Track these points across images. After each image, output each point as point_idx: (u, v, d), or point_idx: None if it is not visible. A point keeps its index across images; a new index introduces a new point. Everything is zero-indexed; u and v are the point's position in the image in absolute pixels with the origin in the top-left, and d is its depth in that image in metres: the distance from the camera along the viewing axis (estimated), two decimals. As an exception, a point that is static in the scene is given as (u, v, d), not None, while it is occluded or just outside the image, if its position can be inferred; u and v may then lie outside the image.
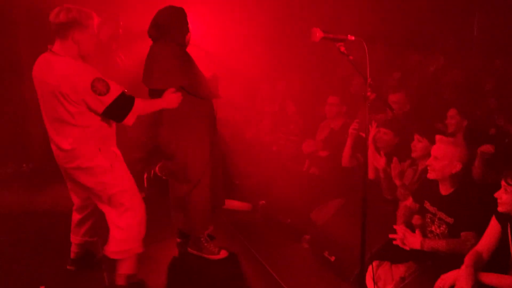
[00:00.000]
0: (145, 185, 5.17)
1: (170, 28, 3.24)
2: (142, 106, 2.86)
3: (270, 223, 4.23)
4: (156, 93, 3.30)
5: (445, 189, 2.91)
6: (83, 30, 2.65)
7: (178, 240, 3.80)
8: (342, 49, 2.22)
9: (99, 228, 3.34)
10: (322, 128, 4.99)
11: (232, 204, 4.69)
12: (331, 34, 2.20)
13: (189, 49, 3.37)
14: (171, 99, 3.11)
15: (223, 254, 3.63)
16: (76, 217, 3.26)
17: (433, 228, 2.92)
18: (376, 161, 3.65)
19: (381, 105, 3.39)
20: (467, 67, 5.97)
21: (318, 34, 2.17)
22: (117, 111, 2.73)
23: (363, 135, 3.73)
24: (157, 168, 4.94)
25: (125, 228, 2.91)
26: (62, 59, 2.66)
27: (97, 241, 3.38)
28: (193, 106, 3.27)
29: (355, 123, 4.01)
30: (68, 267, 3.35)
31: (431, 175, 2.91)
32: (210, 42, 5.55)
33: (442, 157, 2.83)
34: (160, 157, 3.79)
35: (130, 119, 2.80)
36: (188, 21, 3.33)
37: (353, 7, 6.33)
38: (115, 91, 2.68)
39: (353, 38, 2.21)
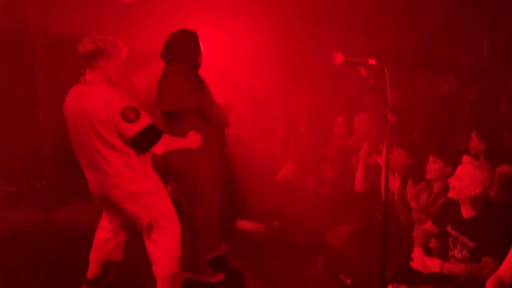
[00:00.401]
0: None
1: (182, 51, 3.31)
2: (168, 141, 2.93)
3: (284, 245, 4.19)
4: (167, 115, 3.36)
5: (466, 212, 2.87)
6: (108, 58, 2.74)
7: None
8: (363, 72, 2.23)
9: (124, 248, 3.38)
10: (330, 148, 4.97)
11: (245, 225, 4.67)
12: (352, 58, 2.21)
13: (201, 69, 3.43)
14: (195, 139, 3.18)
15: (219, 277, 3.62)
16: (104, 235, 3.30)
17: (455, 253, 2.87)
18: (390, 183, 3.61)
19: (402, 128, 3.38)
20: (480, 87, 5.96)
21: (339, 58, 2.18)
22: (144, 140, 2.78)
23: (376, 157, 3.73)
24: (169, 188, 4.94)
25: (167, 249, 3.02)
26: (95, 87, 2.75)
27: (119, 261, 3.40)
28: (203, 129, 3.30)
29: (366, 145, 3.93)
30: (83, 286, 3.34)
31: (450, 193, 2.88)
32: (220, 60, 5.60)
33: (463, 177, 2.80)
34: (172, 177, 3.80)
35: (159, 148, 2.86)
36: (201, 43, 3.39)
37: (364, 26, 6.36)
38: (145, 120, 2.75)
39: (374, 62, 2.21)
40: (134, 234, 3.29)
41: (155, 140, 2.81)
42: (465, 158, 2.90)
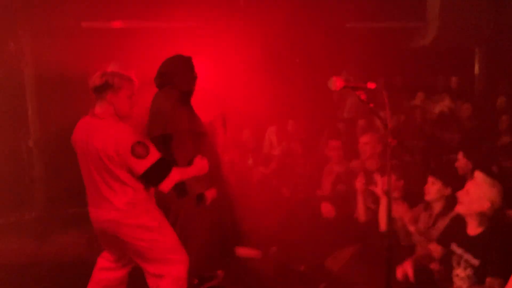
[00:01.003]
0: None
1: (173, 76, 3.31)
2: (178, 173, 2.90)
3: (283, 271, 4.10)
4: (155, 140, 3.30)
5: (472, 229, 2.83)
6: (117, 92, 2.75)
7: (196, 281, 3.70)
8: (363, 97, 2.21)
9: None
10: (327, 173, 4.94)
11: (241, 251, 4.59)
12: (352, 82, 2.20)
13: (197, 93, 3.42)
14: (202, 165, 3.12)
15: None
16: (105, 266, 3.18)
17: (458, 272, 2.83)
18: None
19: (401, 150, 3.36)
20: (472, 105, 6.03)
21: (338, 83, 2.17)
22: (154, 175, 2.77)
23: (372, 188, 3.69)
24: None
25: (175, 280, 2.94)
26: (103, 121, 2.76)
27: None
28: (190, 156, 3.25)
29: (361, 177, 3.88)
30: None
31: (458, 208, 2.86)
32: (217, 84, 5.62)
33: (473, 192, 2.78)
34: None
35: (166, 185, 2.82)
36: (195, 68, 3.39)
37: (357, 47, 6.47)
38: (155, 155, 2.75)
39: (373, 86, 2.20)
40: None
41: (166, 174, 2.80)
42: (477, 173, 2.89)
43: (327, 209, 4.37)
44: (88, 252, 4.64)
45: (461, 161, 4.01)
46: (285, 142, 5.96)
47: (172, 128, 3.18)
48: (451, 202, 3.29)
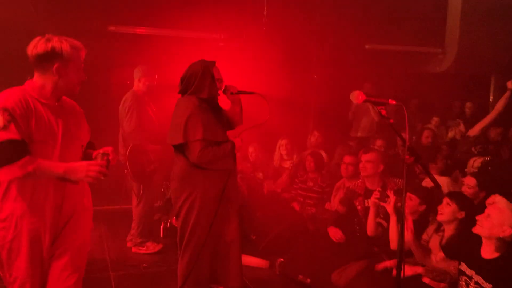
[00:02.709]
0: (161, 235, 5.14)
1: (190, 82, 3.31)
2: (39, 164, 2.24)
3: (289, 282, 4.13)
4: (176, 147, 3.35)
5: (488, 253, 2.81)
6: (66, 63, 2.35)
7: None
8: (383, 112, 2.28)
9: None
10: (337, 188, 4.97)
11: (248, 260, 4.61)
12: (373, 97, 2.26)
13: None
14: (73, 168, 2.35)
15: None
16: None
17: (465, 292, 2.85)
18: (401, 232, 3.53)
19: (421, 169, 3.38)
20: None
21: (360, 97, 2.24)
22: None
23: (384, 204, 3.70)
24: (173, 219, 4.93)
25: None
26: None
27: None
28: (194, 168, 3.26)
29: (377, 193, 3.79)
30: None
31: (476, 230, 2.84)
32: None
33: (494, 217, 2.77)
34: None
35: (10, 172, 2.21)
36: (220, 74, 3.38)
37: (374, 68, 6.56)
38: (10, 133, 2.19)
39: (394, 102, 2.27)
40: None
41: (8, 160, 2.19)
42: (498, 198, 2.89)
43: (334, 233, 4.37)
44: (99, 250, 4.75)
45: (473, 189, 3.99)
46: (296, 155, 6.01)
47: (185, 138, 3.21)
48: (463, 225, 3.31)
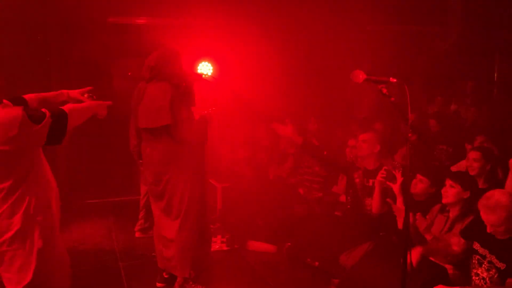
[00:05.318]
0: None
1: (162, 69, 3.43)
2: None
3: (297, 266, 4.16)
4: (147, 133, 3.53)
5: (501, 233, 2.76)
6: None
7: (159, 284, 3.78)
8: (384, 91, 2.26)
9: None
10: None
11: (256, 245, 4.65)
12: (374, 76, 2.25)
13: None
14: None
15: None
16: None
17: (479, 271, 2.82)
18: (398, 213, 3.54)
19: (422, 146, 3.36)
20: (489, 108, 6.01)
21: (361, 76, 2.22)
22: None
23: (390, 184, 3.68)
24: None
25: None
26: None
27: None
28: (177, 147, 3.45)
29: (384, 171, 3.82)
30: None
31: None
32: (235, 81, 5.71)
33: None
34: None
35: None
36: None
37: (377, 49, 6.50)
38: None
39: (395, 80, 2.25)
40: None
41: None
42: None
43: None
44: (108, 241, 4.79)
45: (479, 162, 3.93)
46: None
47: (173, 119, 3.34)
48: (469, 206, 3.31)
